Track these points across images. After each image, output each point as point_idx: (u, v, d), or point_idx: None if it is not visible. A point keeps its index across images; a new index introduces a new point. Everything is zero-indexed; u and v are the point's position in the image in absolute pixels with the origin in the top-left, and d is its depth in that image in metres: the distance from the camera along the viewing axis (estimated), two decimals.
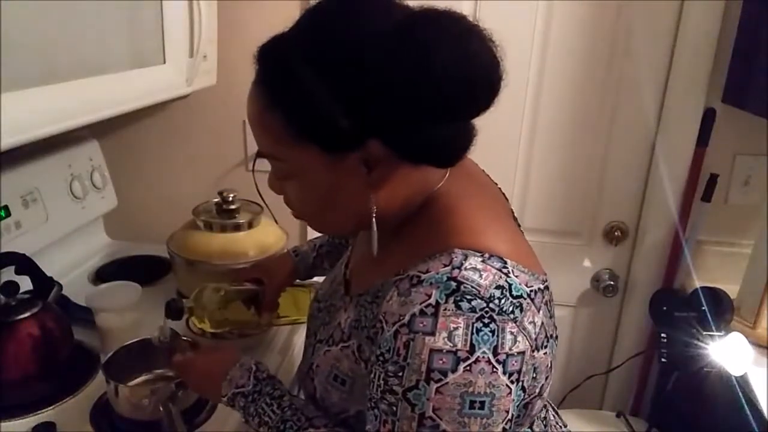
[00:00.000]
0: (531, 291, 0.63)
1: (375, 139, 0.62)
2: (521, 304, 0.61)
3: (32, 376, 0.96)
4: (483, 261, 0.61)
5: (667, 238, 1.50)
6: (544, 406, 0.77)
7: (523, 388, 0.61)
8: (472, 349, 0.57)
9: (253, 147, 1.59)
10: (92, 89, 0.98)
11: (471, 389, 0.57)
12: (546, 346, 0.65)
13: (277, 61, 0.63)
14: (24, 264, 1.05)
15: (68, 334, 1.05)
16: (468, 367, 0.56)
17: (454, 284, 0.59)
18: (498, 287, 0.60)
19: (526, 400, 0.66)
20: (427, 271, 0.61)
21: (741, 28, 1.31)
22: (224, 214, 1.24)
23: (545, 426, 0.77)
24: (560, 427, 0.82)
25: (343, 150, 0.63)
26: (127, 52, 1.09)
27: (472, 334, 0.57)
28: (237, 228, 1.23)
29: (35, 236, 1.23)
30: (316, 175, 0.67)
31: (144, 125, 1.63)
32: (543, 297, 0.66)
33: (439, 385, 0.57)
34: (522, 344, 0.60)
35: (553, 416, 0.81)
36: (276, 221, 1.38)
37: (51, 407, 0.96)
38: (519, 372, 0.59)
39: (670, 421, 1.40)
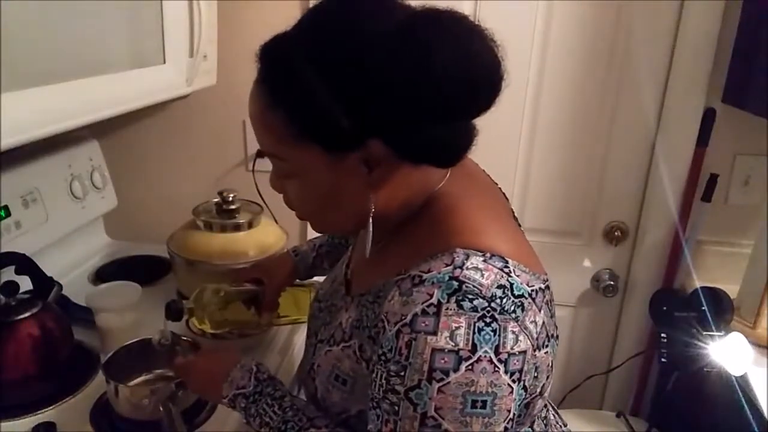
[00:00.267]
0: (532, 290, 0.63)
1: (376, 139, 0.62)
2: (523, 304, 0.61)
3: (32, 376, 0.96)
4: (484, 260, 0.61)
5: (667, 238, 1.50)
6: (545, 405, 0.77)
7: (524, 388, 0.61)
8: (474, 349, 0.57)
9: (253, 147, 1.59)
10: (92, 89, 0.98)
11: (473, 389, 0.57)
12: (547, 346, 0.65)
13: (279, 60, 0.63)
14: (24, 264, 1.05)
15: (68, 334, 1.05)
16: (470, 367, 0.56)
17: (455, 284, 0.59)
18: (500, 287, 0.60)
19: (527, 400, 0.66)
20: (429, 271, 0.61)
21: (741, 28, 1.31)
22: (224, 214, 1.24)
23: (546, 425, 0.77)
24: (560, 426, 0.82)
25: (344, 150, 0.63)
26: (127, 52, 1.09)
27: (473, 333, 0.57)
28: (237, 228, 1.23)
29: (35, 236, 1.23)
30: (316, 175, 0.67)
31: (144, 125, 1.63)
32: (544, 296, 0.66)
33: (441, 384, 0.57)
34: (524, 344, 0.60)
35: (554, 416, 0.81)
36: (276, 221, 1.38)
37: (51, 407, 0.96)
38: (521, 371, 0.60)
39: (670, 421, 1.40)
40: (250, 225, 1.25)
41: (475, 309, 0.58)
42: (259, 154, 1.58)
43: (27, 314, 0.96)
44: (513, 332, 0.59)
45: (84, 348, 1.10)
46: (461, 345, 0.57)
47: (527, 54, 1.46)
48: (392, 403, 0.60)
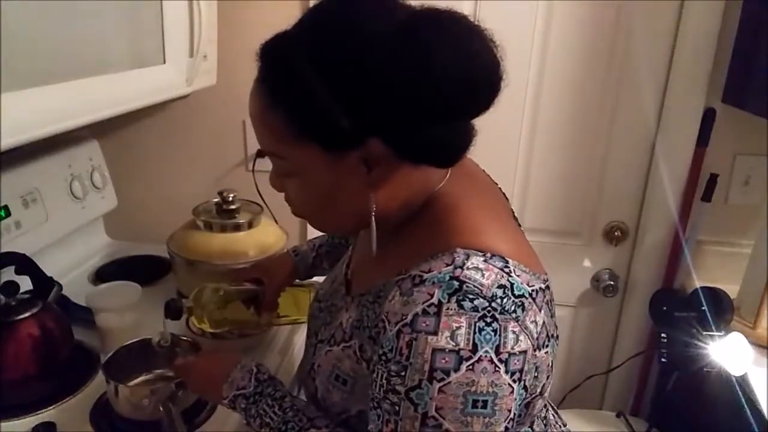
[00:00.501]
0: (532, 290, 0.63)
1: (375, 139, 0.62)
2: (523, 304, 0.61)
3: (32, 376, 0.96)
4: (485, 260, 0.61)
5: (667, 238, 1.50)
6: (545, 405, 0.77)
7: (525, 387, 0.61)
8: (474, 349, 0.57)
9: (253, 147, 1.59)
10: (92, 89, 0.98)
11: (474, 388, 0.57)
12: (547, 346, 0.66)
13: (279, 59, 0.63)
14: (24, 264, 1.05)
15: (68, 334, 1.05)
16: (471, 367, 0.57)
17: (456, 283, 0.59)
18: (500, 286, 0.60)
19: (527, 400, 0.66)
20: (429, 271, 0.61)
21: (741, 28, 1.31)
22: (224, 214, 1.24)
23: (545, 425, 0.77)
24: (560, 426, 0.82)
25: (344, 149, 0.63)
26: (127, 52, 1.09)
27: (474, 333, 0.57)
28: (237, 228, 1.23)
29: (35, 236, 1.23)
30: (316, 174, 0.67)
31: (144, 125, 1.63)
32: (544, 296, 0.66)
33: (441, 384, 0.57)
34: (524, 343, 0.60)
35: (553, 416, 0.81)
36: (276, 221, 1.38)
37: (51, 407, 0.96)
38: (521, 371, 0.60)
39: (670, 421, 1.40)
40: (250, 225, 1.25)
41: (475, 309, 0.58)
42: (259, 154, 1.58)
43: (27, 314, 0.96)
44: (513, 332, 0.59)
45: (84, 348, 1.10)
46: (462, 345, 0.57)
47: (527, 54, 1.46)
48: (393, 403, 0.60)
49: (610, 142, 1.50)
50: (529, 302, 0.62)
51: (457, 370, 0.56)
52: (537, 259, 0.70)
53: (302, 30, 0.64)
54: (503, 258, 0.63)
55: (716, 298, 1.31)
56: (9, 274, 1.03)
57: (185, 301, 0.96)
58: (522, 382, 0.60)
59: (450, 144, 0.65)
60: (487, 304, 0.58)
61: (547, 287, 0.68)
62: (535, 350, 0.62)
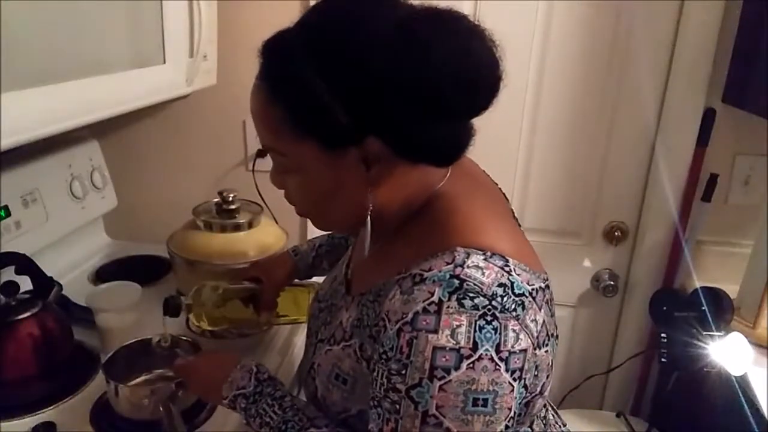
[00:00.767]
0: (533, 289, 0.64)
1: (374, 137, 0.62)
2: (523, 302, 0.61)
3: (32, 376, 0.96)
4: (485, 259, 0.62)
5: (667, 238, 1.50)
6: (544, 405, 0.77)
7: (525, 386, 0.62)
8: (475, 347, 0.57)
9: (253, 147, 1.59)
10: (92, 89, 0.98)
11: (474, 387, 0.57)
12: (547, 345, 0.66)
13: (280, 56, 0.64)
14: (24, 264, 1.05)
15: (68, 334, 1.05)
16: (471, 365, 0.57)
17: (456, 282, 0.59)
18: (500, 285, 0.60)
19: (527, 399, 0.66)
20: (430, 269, 0.61)
21: (741, 28, 1.31)
22: (224, 214, 1.24)
23: (545, 425, 0.77)
24: (560, 426, 0.82)
25: (342, 146, 0.64)
26: (127, 52, 1.09)
27: (474, 331, 0.57)
28: (237, 228, 1.23)
29: (35, 236, 1.23)
30: (316, 171, 0.67)
31: (144, 125, 1.63)
32: (544, 296, 0.66)
33: (442, 382, 0.57)
34: (524, 342, 0.60)
35: (553, 416, 0.81)
36: (276, 221, 1.38)
37: (51, 407, 0.96)
38: (521, 370, 0.60)
39: (670, 421, 1.40)
40: (250, 225, 1.25)
41: (476, 307, 0.58)
42: (259, 154, 1.58)
43: (27, 314, 0.96)
44: (514, 330, 0.59)
45: (84, 348, 1.10)
46: (462, 343, 0.57)
47: (527, 54, 1.46)
48: (393, 401, 0.60)
49: (610, 142, 1.50)
50: (529, 301, 0.62)
51: (457, 368, 0.57)
52: (537, 258, 0.70)
53: (303, 28, 0.64)
54: (503, 257, 0.63)
55: (716, 298, 1.31)
56: (9, 274, 1.03)
57: (184, 299, 0.96)
58: (522, 381, 0.60)
59: (448, 143, 0.65)
60: (487, 302, 0.59)
61: (547, 286, 0.68)
62: (535, 349, 0.62)
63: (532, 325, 0.62)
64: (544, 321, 0.64)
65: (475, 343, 0.57)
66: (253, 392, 0.77)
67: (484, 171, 0.84)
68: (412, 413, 0.58)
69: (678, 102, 1.41)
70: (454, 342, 0.57)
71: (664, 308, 1.41)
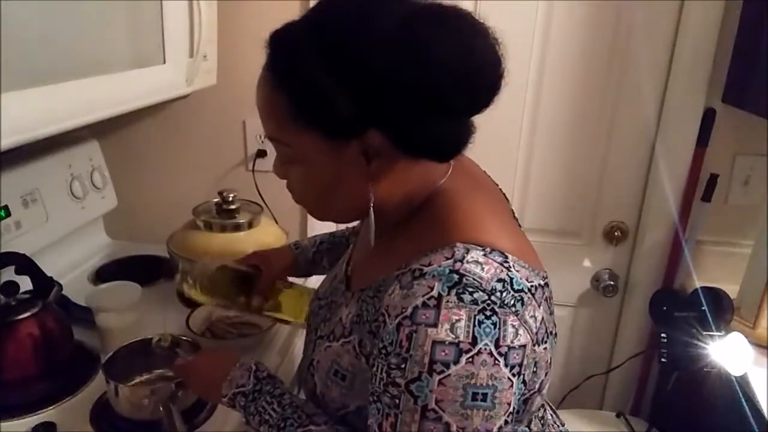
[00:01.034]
0: (532, 286, 0.64)
1: (374, 130, 0.63)
2: (522, 298, 0.61)
3: (32, 376, 0.96)
4: (485, 255, 0.62)
5: (667, 238, 1.50)
6: (542, 405, 0.77)
7: (524, 382, 0.62)
8: (474, 341, 0.57)
9: (253, 147, 1.59)
10: (92, 89, 0.98)
11: (473, 381, 0.57)
12: (546, 342, 0.66)
13: (285, 46, 0.65)
14: (24, 264, 1.05)
15: (68, 334, 1.05)
16: (470, 359, 0.57)
17: (456, 276, 0.59)
18: (500, 280, 0.60)
19: (526, 396, 0.66)
20: (429, 264, 0.62)
21: (741, 28, 1.31)
22: (224, 214, 1.24)
23: (543, 425, 0.77)
24: (558, 426, 0.82)
25: (345, 137, 0.64)
26: (127, 52, 1.09)
27: (474, 326, 0.57)
28: (237, 228, 1.24)
29: (35, 236, 1.23)
30: (318, 162, 0.68)
31: (144, 125, 1.63)
32: (543, 293, 0.66)
33: (441, 376, 0.57)
34: (523, 337, 0.60)
35: (551, 415, 0.82)
36: (276, 221, 1.38)
37: (51, 407, 0.96)
38: (520, 365, 0.60)
39: (670, 421, 1.40)
40: (250, 225, 1.25)
41: (475, 302, 0.58)
42: (259, 154, 1.58)
43: (27, 314, 0.96)
44: (513, 326, 0.59)
45: (84, 348, 1.10)
46: (462, 337, 0.57)
47: (527, 53, 1.46)
48: (393, 396, 0.60)
49: (610, 142, 1.50)
50: (528, 297, 0.62)
51: (456, 362, 0.57)
52: (536, 256, 0.70)
53: (309, 20, 0.65)
54: (503, 253, 0.63)
55: (716, 298, 1.31)
56: (9, 274, 1.03)
57: (182, 265, 0.96)
58: (521, 377, 0.60)
59: (448, 139, 0.66)
60: (486, 297, 0.59)
61: (546, 284, 0.68)
62: (534, 345, 0.62)
63: (531, 321, 0.62)
64: (543, 318, 0.65)
65: (474, 338, 0.57)
66: (252, 390, 0.77)
67: (484, 172, 0.85)
68: (412, 407, 0.58)
69: (678, 102, 1.42)
70: (454, 336, 0.57)
71: (664, 308, 1.41)
